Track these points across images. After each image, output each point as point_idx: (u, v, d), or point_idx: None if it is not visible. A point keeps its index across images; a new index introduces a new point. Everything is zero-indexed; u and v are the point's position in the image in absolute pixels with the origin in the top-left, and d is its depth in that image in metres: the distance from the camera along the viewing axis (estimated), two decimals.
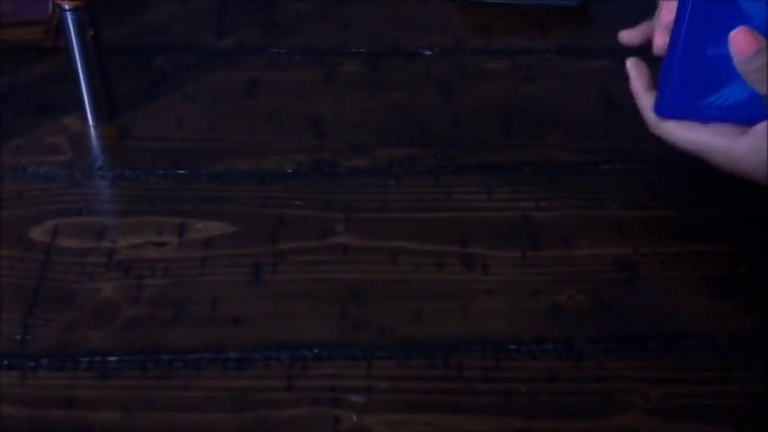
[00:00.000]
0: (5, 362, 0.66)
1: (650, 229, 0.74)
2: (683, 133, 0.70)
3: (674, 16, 0.70)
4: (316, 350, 0.67)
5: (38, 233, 0.74)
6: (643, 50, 0.76)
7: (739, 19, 0.67)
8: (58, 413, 0.63)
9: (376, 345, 0.67)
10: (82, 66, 0.82)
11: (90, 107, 0.83)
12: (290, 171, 0.80)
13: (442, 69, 0.91)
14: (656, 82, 0.72)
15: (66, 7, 0.79)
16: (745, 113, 0.68)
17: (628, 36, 0.78)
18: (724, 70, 0.68)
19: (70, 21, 0.79)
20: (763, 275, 0.71)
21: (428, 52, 0.93)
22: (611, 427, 0.63)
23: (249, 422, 0.63)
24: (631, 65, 0.74)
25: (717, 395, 0.64)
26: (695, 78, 0.69)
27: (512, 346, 0.67)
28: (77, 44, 0.80)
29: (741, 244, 0.73)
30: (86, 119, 0.84)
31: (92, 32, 0.80)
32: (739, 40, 0.66)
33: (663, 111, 0.71)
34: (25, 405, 0.63)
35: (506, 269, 0.72)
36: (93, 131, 0.84)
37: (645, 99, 0.72)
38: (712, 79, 0.69)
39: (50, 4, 0.91)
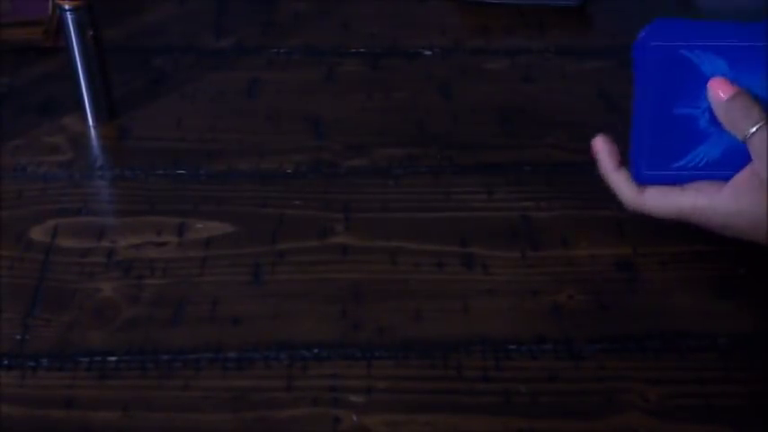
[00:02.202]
0: (5, 362, 0.66)
1: (650, 229, 0.74)
2: (661, 201, 0.70)
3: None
4: (315, 350, 0.67)
5: (38, 233, 0.74)
6: None
7: (698, 76, 0.68)
8: (58, 413, 0.63)
9: (376, 345, 0.67)
10: (82, 66, 0.82)
11: (90, 107, 0.83)
12: (289, 171, 0.80)
13: (441, 69, 0.91)
14: (625, 158, 0.71)
15: (66, 7, 0.79)
16: (721, 171, 0.68)
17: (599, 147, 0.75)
18: (695, 129, 0.69)
19: (70, 21, 0.79)
20: (763, 275, 0.71)
21: (428, 52, 0.93)
22: (611, 427, 0.63)
23: (249, 422, 0.63)
24: (600, 145, 0.72)
25: (717, 395, 0.64)
26: (667, 140, 0.69)
27: (512, 346, 0.67)
28: (77, 44, 0.80)
29: (741, 244, 0.73)
30: (86, 119, 0.84)
31: (92, 32, 0.80)
32: (716, 87, 0.67)
33: (640, 178, 0.70)
34: (25, 405, 0.63)
35: (506, 269, 0.72)
36: (93, 131, 0.84)
37: (616, 176, 0.71)
38: (684, 139, 0.69)
39: (50, 4, 0.91)
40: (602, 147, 0.72)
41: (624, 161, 0.72)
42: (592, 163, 0.76)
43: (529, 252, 0.73)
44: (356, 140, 0.83)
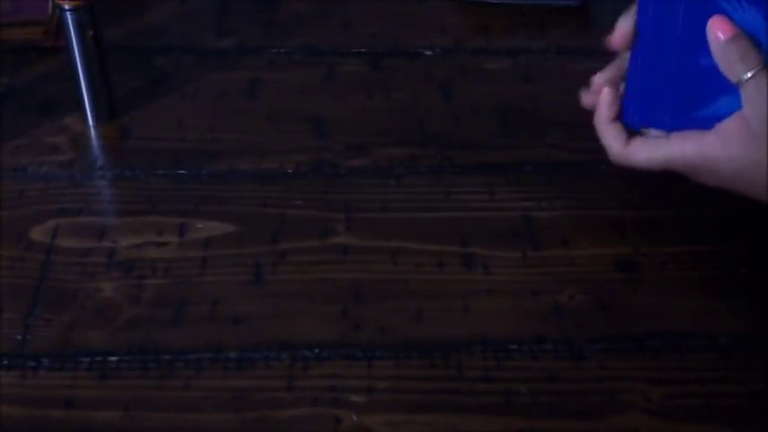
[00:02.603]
0: (5, 362, 0.66)
1: (650, 229, 0.74)
2: (647, 153, 0.69)
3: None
4: (316, 350, 0.67)
5: (38, 233, 0.74)
6: None
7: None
8: (58, 413, 0.63)
9: (376, 345, 0.67)
10: (82, 66, 0.82)
11: (90, 107, 0.83)
12: (290, 171, 0.80)
13: (442, 69, 0.91)
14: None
15: (66, 7, 0.79)
16: None
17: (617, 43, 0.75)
18: (718, 80, 0.68)
19: (70, 21, 0.79)
20: (763, 275, 0.71)
21: (428, 52, 0.93)
22: (612, 427, 0.63)
23: (249, 422, 0.63)
24: (607, 93, 0.71)
25: (717, 395, 0.64)
26: (687, 90, 0.68)
27: (512, 346, 0.67)
28: (77, 44, 0.81)
29: (741, 244, 0.73)
30: (86, 119, 0.84)
31: (92, 32, 0.80)
32: (715, 27, 0.66)
33: (652, 122, 0.69)
34: (25, 405, 0.63)
35: (506, 269, 0.72)
36: (93, 131, 0.84)
37: (608, 128, 0.71)
38: (707, 89, 0.68)
39: (50, 4, 0.91)
40: (606, 95, 0.71)
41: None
42: (592, 163, 0.77)
43: (529, 252, 0.73)
44: (357, 140, 0.83)
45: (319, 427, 0.62)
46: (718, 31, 0.66)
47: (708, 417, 0.63)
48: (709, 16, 0.67)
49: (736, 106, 0.66)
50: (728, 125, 0.66)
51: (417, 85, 0.89)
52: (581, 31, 0.96)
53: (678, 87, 0.69)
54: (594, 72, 0.73)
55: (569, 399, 0.64)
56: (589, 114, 0.72)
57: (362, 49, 0.93)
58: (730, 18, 0.66)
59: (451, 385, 0.65)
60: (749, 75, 0.65)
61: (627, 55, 0.71)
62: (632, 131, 0.70)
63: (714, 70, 0.67)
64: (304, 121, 0.85)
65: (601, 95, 0.71)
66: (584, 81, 0.73)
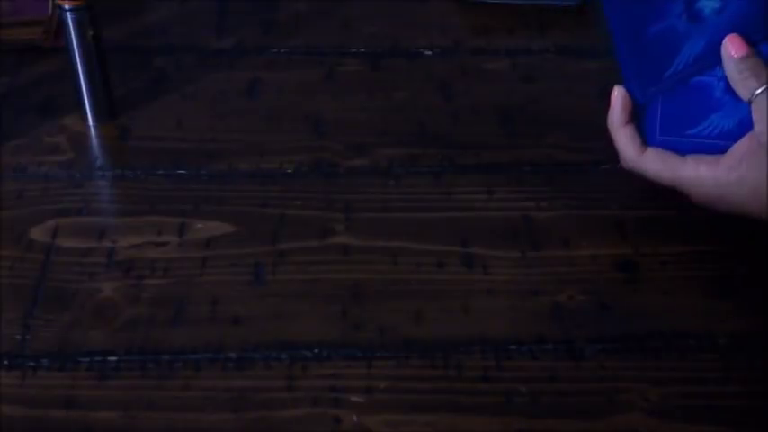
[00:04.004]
0: (5, 362, 0.66)
1: (650, 229, 0.74)
2: (660, 165, 0.70)
3: None
4: (316, 350, 0.67)
5: (38, 233, 0.74)
6: None
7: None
8: (58, 413, 0.63)
9: (376, 345, 0.67)
10: (82, 66, 0.82)
11: (90, 107, 0.83)
12: (290, 171, 0.80)
13: (442, 69, 0.91)
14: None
15: (66, 7, 0.79)
16: (734, 142, 0.68)
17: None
18: (710, 97, 0.69)
19: (70, 21, 0.79)
20: (763, 275, 0.71)
21: (428, 52, 0.93)
22: (611, 427, 0.63)
23: (249, 422, 0.63)
24: (619, 94, 0.72)
25: (717, 395, 0.64)
26: (680, 105, 0.70)
27: (512, 346, 0.67)
28: (77, 44, 0.81)
29: (741, 244, 0.73)
30: (86, 119, 0.84)
31: (92, 32, 0.80)
32: (730, 44, 0.68)
33: (651, 140, 0.71)
34: (25, 405, 0.63)
35: (506, 269, 0.72)
36: (93, 131, 0.84)
37: (623, 131, 0.71)
38: (699, 107, 0.70)
39: (50, 4, 0.91)
40: (619, 98, 0.72)
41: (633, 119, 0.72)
42: (592, 163, 0.77)
43: (529, 252, 0.73)
44: (357, 140, 0.83)
45: (319, 427, 0.62)
46: (732, 47, 0.68)
47: (708, 417, 0.63)
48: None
49: (728, 123, 0.69)
50: (741, 145, 0.67)
51: (417, 86, 0.89)
52: (581, 31, 0.96)
53: (667, 106, 0.71)
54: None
55: (569, 399, 0.64)
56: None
57: (362, 49, 0.93)
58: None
59: (451, 385, 0.65)
60: (759, 91, 0.66)
61: None
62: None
63: (706, 87, 0.69)
64: (304, 121, 0.85)
65: (612, 98, 0.72)
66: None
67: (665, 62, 0.71)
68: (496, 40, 0.95)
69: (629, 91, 0.72)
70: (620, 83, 0.73)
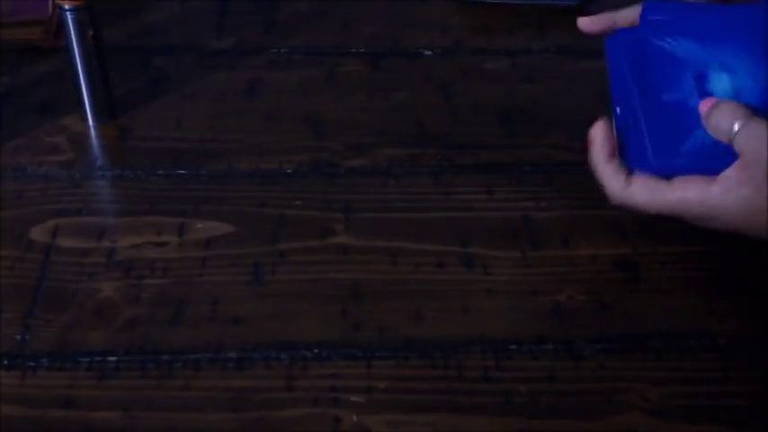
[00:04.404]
0: (5, 362, 0.66)
1: (650, 229, 0.74)
2: (648, 195, 0.68)
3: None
4: (316, 350, 0.67)
5: (38, 233, 0.74)
6: None
7: (674, 60, 0.70)
8: (58, 413, 0.63)
9: (376, 345, 0.67)
10: (82, 66, 0.82)
11: (90, 107, 0.83)
12: (289, 171, 0.80)
13: (441, 69, 0.91)
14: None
15: (67, 7, 0.79)
16: (725, 157, 0.67)
17: (586, 24, 0.78)
18: (689, 113, 0.69)
19: (70, 21, 0.79)
20: (763, 275, 0.71)
21: (428, 52, 0.93)
22: (611, 427, 0.63)
23: (249, 422, 0.63)
24: (596, 132, 0.71)
25: (717, 395, 0.64)
26: (664, 128, 0.70)
27: (512, 346, 0.67)
28: (77, 44, 0.80)
29: (741, 244, 0.72)
30: (86, 119, 0.84)
31: (92, 32, 0.80)
32: (702, 106, 0.69)
33: (642, 166, 0.70)
34: (25, 405, 0.63)
35: (506, 269, 0.72)
36: (93, 131, 0.84)
37: (606, 167, 0.70)
38: (681, 125, 0.70)
39: (50, 4, 0.91)
40: (598, 134, 0.71)
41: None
42: None
43: (529, 252, 0.73)
44: (356, 140, 0.83)
45: (319, 427, 0.62)
46: (703, 106, 0.69)
47: (708, 417, 0.63)
48: (651, 55, 0.71)
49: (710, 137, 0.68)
50: (730, 174, 0.66)
51: (417, 86, 0.89)
52: (581, 31, 0.96)
53: (652, 128, 0.70)
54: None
55: (569, 399, 0.64)
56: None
57: (362, 49, 0.93)
58: (669, 52, 0.71)
59: (451, 385, 0.65)
60: (737, 127, 0.66)
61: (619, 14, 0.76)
62: (631, 169, 0.70)
63: (681, 105, 0.69)
64: (303, 121, 0.85)
65: (591, 133, 0.71)
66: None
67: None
68: (496, 40, 0.95)
69: (634, 160, 0.71)
70: None
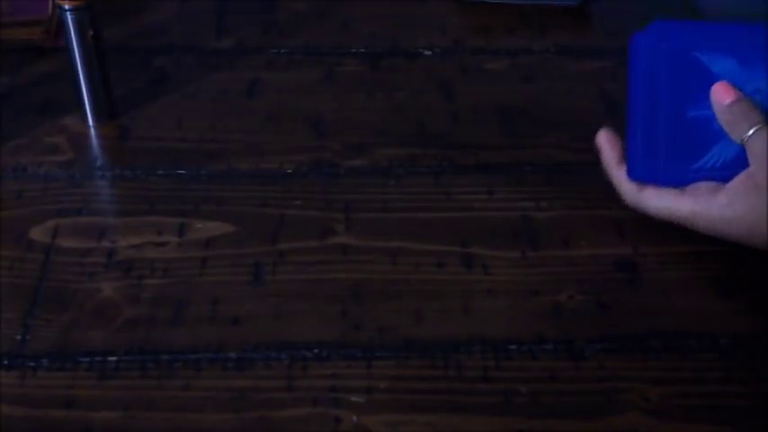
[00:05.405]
0: (5, 362, 0.66)
1: (650, 229, 0.74)
2: (658, 203, 0.71)
3: None
4: (316, 350, 0.67)
5: (38, 233, 0.74)
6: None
7: (709, 77, 0.69)
8: (58, 413, 0.63)
9: (376, 345, 0.67)
10: (82, 66, 0.82)
11: (90, 107, 0.83)
12: (289, 171, 0.80)
13: (442, 69, 0.91)
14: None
15: (66, 7, 0.79)
16: (737, 172, 0.68)
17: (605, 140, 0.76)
18: (708, 130, 0.69)
19: (70, 21, 0.79)
20: (763, 275, 0.71)
21: (428, 52, 0.93)
22: (611, 427, 0.63)
23: (249, 422, 0.63)
24: (603, 138, 0.74)
25: (717, 395, 0.64)
26: (681, 142, 0.70)
27: (512, 346, 0.67)
28: (77, 44, 0.81)
29: (741, 244, 0.72)
30: (86, 119, 0.84)
31: (92, 32, 0.80)
32: (719, 92, 0.68)
33: (650, 174, 0.71)
34: (25, 405, 0.63)
35: (506, 269, 0.72)
36: (93, 131, 0.84)
37: (618, 172, 0.73)
38: (699, 141, 0.70)
39: (50, 4, 0.91)
40: (605, 141, 0.74)
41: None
42: (592, 163, 0.76)
43: (529, 252, 0.73)
44: (356, 140, 0.83)
45: (319, 427, 0.62)
46: (721, 96, 0.69)
47: (708, 417, 0.63)
48: (690, 70, 0.69)
49: (730, 153, 0.69)
50: (736, 184, 0.67)
51: (417, 85, 0.89)
52: (581, 31, 0.96)
53: (671, 142, 0.71)
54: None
55: (569, 399, 0.64)
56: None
57: (362, 49, 0.93)
58: (708, 69, 0.69)
59: (451, 385, 0.65)
60: (751, 132, 0.67)
61: None
62: (635, 176, 0.72)
63: (703, 121, 0.69)
64: (303, 121, 0.85)
65: (599, 139, 0.74)
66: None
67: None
68: (496, 40, 0.95)
69: (629, 168, 0.72)
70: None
